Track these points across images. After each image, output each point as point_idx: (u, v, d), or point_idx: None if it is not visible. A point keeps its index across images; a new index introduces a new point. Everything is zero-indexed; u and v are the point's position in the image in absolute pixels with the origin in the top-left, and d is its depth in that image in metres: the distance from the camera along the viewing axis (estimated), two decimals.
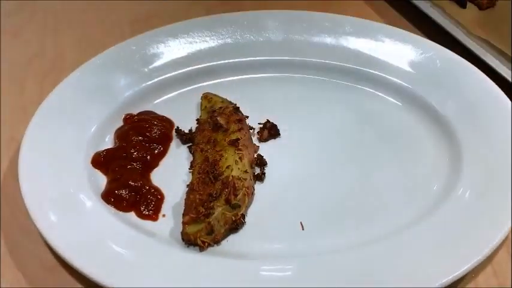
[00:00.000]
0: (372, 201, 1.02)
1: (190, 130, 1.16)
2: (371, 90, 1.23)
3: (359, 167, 1.09)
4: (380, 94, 1.22)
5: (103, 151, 1.11)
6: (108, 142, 1.15)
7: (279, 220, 1.00)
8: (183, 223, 0.95)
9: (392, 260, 0.89)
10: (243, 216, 0.99)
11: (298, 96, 1.24)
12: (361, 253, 0.91)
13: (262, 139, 1.14)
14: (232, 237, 0.98)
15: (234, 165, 1.00)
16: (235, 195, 0.96)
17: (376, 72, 1.24)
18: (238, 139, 1.04)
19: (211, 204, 0.95)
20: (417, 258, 0.89)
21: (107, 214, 0.99)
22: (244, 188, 0.98)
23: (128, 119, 1.18)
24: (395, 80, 1.22)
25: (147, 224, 1.00)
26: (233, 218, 0.96)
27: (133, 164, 1.08)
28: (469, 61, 1.22)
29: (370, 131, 1.16)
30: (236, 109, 1.14)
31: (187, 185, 1.04)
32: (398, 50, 1.26)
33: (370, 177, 1.06)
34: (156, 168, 1.10)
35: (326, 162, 1.10)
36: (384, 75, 1.23)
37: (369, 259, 0.90)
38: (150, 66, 1.25)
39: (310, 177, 1.08)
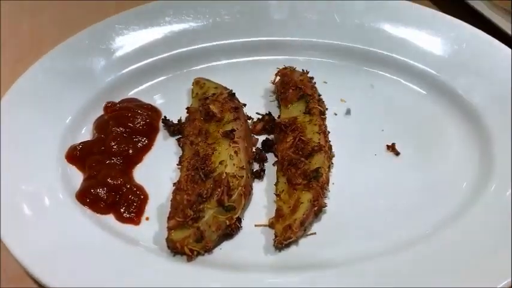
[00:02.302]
0: (403, 202, 0.90)
1: (179, 120, 1.01)
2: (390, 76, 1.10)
3: (384, 164, 0.95)
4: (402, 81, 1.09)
5: (79, 144, 0.97)
6: (85, 134, 1.01)
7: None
8: (168, 228, 0.81)
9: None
10: (239, 220, 0.85)
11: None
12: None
13: (254, 131, 1.00)
14: (225, 245, 0.85)
15: (228, 161, 0.86)
16: (229, 196, 0.82)
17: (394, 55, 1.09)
18: (233, 130, 0.90)
19: (201, 206, 0.81)
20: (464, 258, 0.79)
21: (81, 216, 0.86)
22: (240, 188, 0.84)
23: (109, 107, 1.04)
24: (418, 65, 1.08)
25: (128, 228, 0.87)
26: (227, 222, 0.82)
27: (113, 159, 0.94)
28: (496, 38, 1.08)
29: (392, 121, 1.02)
30: (232, 95, 1.00)
31: (174, 184, 0.90)
32: (418, 30, 1.12)
33: (399, 175, 0.94)
34: (139, 164, 0.96)
35: (345, 158, 0.96)
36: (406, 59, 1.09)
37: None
38: (134, 48, 1.10)
39: None
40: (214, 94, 0.99)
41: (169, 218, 0.83)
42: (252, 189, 0.90)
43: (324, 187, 0.87)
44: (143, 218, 0.88)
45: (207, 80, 1.06)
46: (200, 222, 0.80)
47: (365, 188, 0.92)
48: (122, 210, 0.89)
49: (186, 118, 1.01)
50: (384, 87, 1.09)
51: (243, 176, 0.86)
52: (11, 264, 0.83)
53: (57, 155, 0.95)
